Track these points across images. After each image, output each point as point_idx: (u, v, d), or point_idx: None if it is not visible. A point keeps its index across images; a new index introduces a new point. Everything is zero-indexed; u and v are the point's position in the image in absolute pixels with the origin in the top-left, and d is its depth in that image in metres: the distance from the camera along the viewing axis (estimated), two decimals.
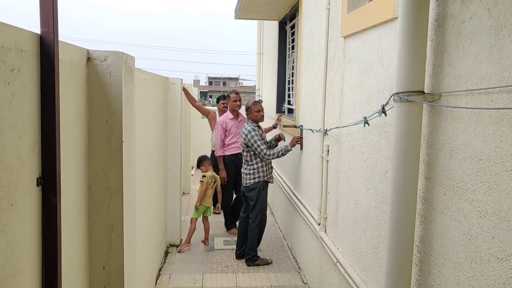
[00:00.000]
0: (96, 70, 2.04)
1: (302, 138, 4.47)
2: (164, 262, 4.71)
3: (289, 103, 5.87)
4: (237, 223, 5.44)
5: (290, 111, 5.70)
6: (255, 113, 4.70)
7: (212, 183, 5.21)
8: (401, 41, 1.82)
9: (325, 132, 3.48)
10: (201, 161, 5.38)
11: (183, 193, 6.92)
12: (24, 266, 1.40)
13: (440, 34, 1.78)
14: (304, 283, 4.28)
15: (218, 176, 5.39)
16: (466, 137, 1.60)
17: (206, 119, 6.49)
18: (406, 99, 1.79)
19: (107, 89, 2.05)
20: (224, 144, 5.58)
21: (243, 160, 4.77)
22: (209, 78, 65.48)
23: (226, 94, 6.11)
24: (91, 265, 2.10)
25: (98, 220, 2.09)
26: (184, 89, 5.61)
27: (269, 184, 4.80)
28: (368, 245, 2.59)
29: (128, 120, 2.20)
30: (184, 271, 4.49)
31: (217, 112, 6.36)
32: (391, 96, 1.95)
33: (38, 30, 1.46)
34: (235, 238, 5.17)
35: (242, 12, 5.94)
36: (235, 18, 6.37)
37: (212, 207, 5.47)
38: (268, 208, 5.68)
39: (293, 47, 5.49)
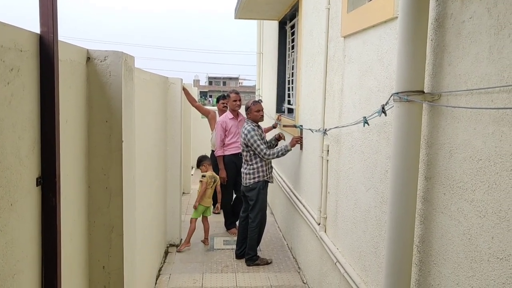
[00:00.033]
0: (96, 70, 2.04)
1: (302, 138, 4.46)
2: (164, 262, 4.71)
3: (289, 103, 5.87)
4: (237, 223, 5.44)
5: (290, 111, 5.70)
6: (255, 113, 4.70)
7: (212, 183, 5.21)
8: (401, 41, 1.82)
9: (325, 132, 3.47)
10: (200, 161, 5.38)
11: (183, 193, 6.92)
12: (23, 266, 1.40)
13: (440, 33, 1.78)
14: (304, 283, 4.28)
15: (217, 176, 5.38)
16: (466, 137, 1.60)
17: (206, 119, 6.49)
18: (406, 99, 1.79)
19: (107, 89, 2.05)
20: (224, 144, 5.58)
21: (243, 160, 4.77)
22: (209, 78, 65.48)
23: (226, 94, 6.11)
24: (90, 265, 2.10)
25: (97, 220, 2.09)
26: (184, 89, 5.61)
27: (269, 184, 4.80)
28: (368, 245, 2.59)
29: (128, 120, 2.20)
30: (184, 271, 4.49)
31: (217, 112, 6.35)
32: (391, 96, 1.95)
33: (37, 30, 1.46)
34: (235, 238, 5.17)
35: (242, 12, 5.94)
36: (235, 18, 6.37)
37: (212, 207, 5.47)
38: (268, 208, 5.67)
39: (293, 47, 5.49)
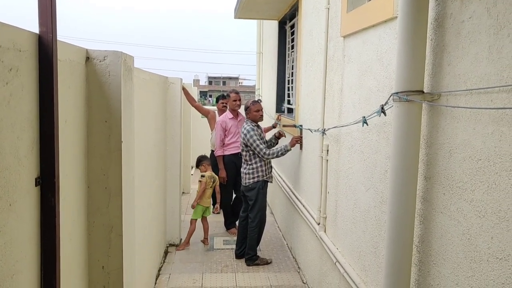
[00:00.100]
0: (95, 69, 2.03)
1: (301, 137, 4.46)
2: (164, 261, 4.71)
3: (288, 102, 5.86)
4: (237, 222, 5.44)
5: (290, 110, 5.70)
6: (254, 112, 4.70)
7: (211, 183, 5.20)
8: (400, 41, 1.82)
9: (324, 132, 3.47)
10: (200, 161, 5.38)
11: (183, 192, 6.92)
12: (22, 266, 1.40)
13: (439, 33, 1.78)
14: (303, 282, 4.28)
15: (216, 176, 5.38)
16: (465, 136, 1.60)
17: (206, 118, 6.49)
18: (406, 99, 1.79)
19: (106, 88, 2.04)
20: (223, 143, 5.58)
21: (243, 160, 4.77)
22: (209, 77, 65.49)
23: (225, 94, 6.10)
24: (90, 265, 2.10)
25: (97, 220, 2.09)
26: (184, 89, 5.60)
27: (269, 183, 4.80)
28: (367, 245, 2.59)
29: (127, 120, 2.20)
30: (184, 271, 4.49)
31: (216, 112, 6.35)
32: (390, 96, 1.94)
33: (37, 30, 1.46)
34: (235, 238, 5.17)
35: (241, 12, 5.94)
36: (235, 17, 6.36)
37: (212, 207, 5.47)
38: (267, 207, 5.67)
39: (292, 47, 5.48)
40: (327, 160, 3.48)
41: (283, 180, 5.49)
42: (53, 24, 1.46)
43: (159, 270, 4.46)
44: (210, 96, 55.97)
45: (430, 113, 1.84)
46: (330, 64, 3.38)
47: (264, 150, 4.52)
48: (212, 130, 6.12)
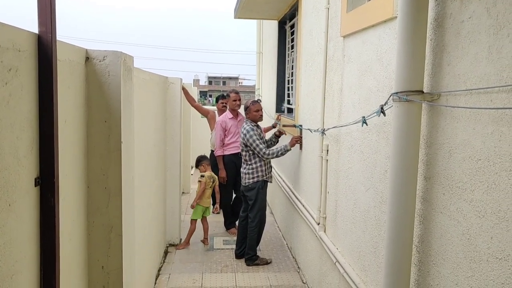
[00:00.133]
0: (95, 69, 2.03)
1: (301, 137, 4.46)
2: (164, 261, 4.71)
3: (288, 102, 5.86)
4: (237, 222, 5.43)
5: (290, 110, 5.70)
6: (254, 112, 4.70)
7: (211, 183, 5.20)
8: (400, 41, 1.82)
9: (323, 132, 3.47)
10: (199, 161, 5.38)
11: (183, 192, 6.92)
12: (22, 266, 1.40)
13: (439, 33, 1.77)
14: (303, 282, 4.28)
15: (216, 176, 5.38)
16: (465, 136, 1.60)
17: (205, 118, 6.49)
18: (405, 99, 1.79)
19: (106, 88, 2.04)
20: (223, 143, 5.58)
21: (242, 160, 4.77)
22: (209, 77, 65.48)
23: (225, 94, 6.10)
24: (89, 265, 2.10)
25: (97, 220, 2.09)
26: (183, 89, 5.60)
27: (268, 183, 4.80)
28: (367, 245, 2.59)
29: (127, 120, 2.20)
30: (184, 271, 4.49)
31: (216, 112, 6.35)
32: (390, 96, 1.94)
33: (36, 30, 1.46)
34: (235, 238, 5.17)
35: (241, 12, 5.94)
36: (235, 17, 6.36)
37: (212, 207, 5.46)
38: (267, 207, 5.67)
39: (292, 47, 5.48)
40: (327, 160, 3.48)
41: (283, 180, 5.49)
42: (52, 24, 1.45)
43: (159, 270, 4.46)
44: (210, 96, 55.97)
45: (429, 113, 1.84)
46: (330, 64, 3.38)
47: (264, 150, 4.52)
48: (212, 130, 6.11)
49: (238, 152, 5.17)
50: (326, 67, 3.46)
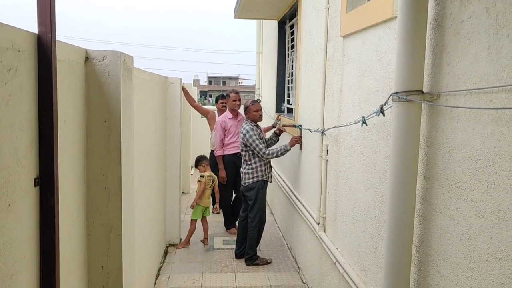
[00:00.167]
0: (95, 69, 2.03)
1: (301, 137, 4.46)
2: (164, 261, 4.71)
3: (288, 102, 5.86)
4: (237, 222, 5.43)
5: (290, 110, 5.70)
6: (254, 112, 4.70)
7: (210, 183, 5.20)
8: (400, 41, 1.82)
9: (323, 132, 3.47)
10: (199, 161, 5.38)
11: (183, 192, 6.92)
12: (21, 266, 1.40)
13: (439, 33, 1.77)
14: (303, 282, 4.28)
15: (216, 176, 5.38)
16: (464, 136, 1.60)
17: (205, 118, 6.49)
18: (405, 99, 1.79)
19: (106, 88, 2.04)
20: (223, 143, 5.58)
21: (242, 160, 4.77)
22: (209, 77, 65.48)
23: (225, 94, 6.10)
24: (89, 265, 2.10)
25: (96, 220, 2.09)
26: (183, 89, 5.60)
27: (268, 183, 4.80)
28: (367, 245, 2.59)
29: (126, 120, 2.20)
30: (184, 271, 4.49)
31: (216, 112, 6.35)
32: (390, 96, 1.94)
33: (36, 30, 1.46)
34: (235, 238, 5.17)
35: (241, 12, 5.94)
36: (235, 17, 6.36)
37: (211, 207, 5.46)
38: (267, 207, 5.68)
39: (292, 47, 5.48)
40: (327, 160, 3.48)
41: (283, 180, 5.49)
42: (52, 24, 1.45)
43: (159, 270, 4.46)
44: (210, 96, 55.97)
45: (429, 113, 1.84)
46: (330, 64, 3.38)
47: (263, 150, 4.52)
48: (211, 130, 6.11)
49: (238, 152, 5.17)
50: (326, 67, 3.46)
